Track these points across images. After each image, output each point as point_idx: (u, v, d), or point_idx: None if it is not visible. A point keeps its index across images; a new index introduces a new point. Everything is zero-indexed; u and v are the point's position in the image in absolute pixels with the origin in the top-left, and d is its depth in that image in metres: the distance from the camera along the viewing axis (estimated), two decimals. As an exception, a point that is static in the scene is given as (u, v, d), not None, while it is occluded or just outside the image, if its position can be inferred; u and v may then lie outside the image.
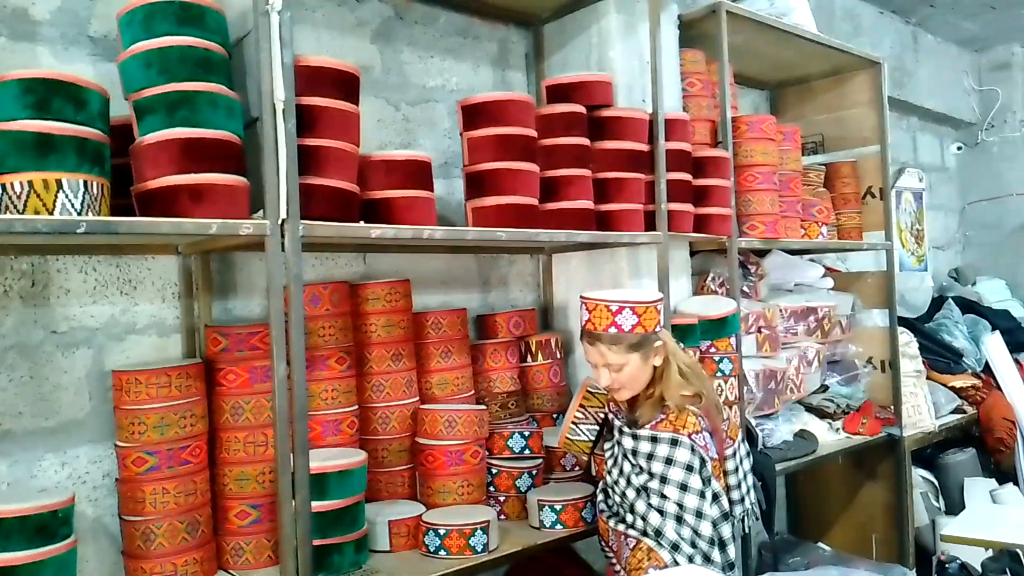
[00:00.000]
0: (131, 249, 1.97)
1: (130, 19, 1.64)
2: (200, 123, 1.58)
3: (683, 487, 1.88)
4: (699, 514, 1.88)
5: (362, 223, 1.86)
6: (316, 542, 1.77)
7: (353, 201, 1.85)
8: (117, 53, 1.68)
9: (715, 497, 1.92)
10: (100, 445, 1.93)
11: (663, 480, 1.90)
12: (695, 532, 1.87)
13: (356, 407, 2.13)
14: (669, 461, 1.90)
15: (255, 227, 1.62)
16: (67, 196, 1.47)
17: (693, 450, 1.90)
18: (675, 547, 1.87)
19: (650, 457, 1.92)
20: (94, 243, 1.89)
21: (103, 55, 1.97)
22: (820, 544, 3.50)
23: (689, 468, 1.89)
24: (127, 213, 1.60)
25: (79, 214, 1.48)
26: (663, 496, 1.89)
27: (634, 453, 1.96)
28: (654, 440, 1.93)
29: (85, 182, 1.50)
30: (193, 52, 1.60)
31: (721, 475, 2.04)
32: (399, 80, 2.54)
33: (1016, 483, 4.14)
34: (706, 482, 1.91)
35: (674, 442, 1.91)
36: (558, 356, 2.64)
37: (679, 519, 1.88)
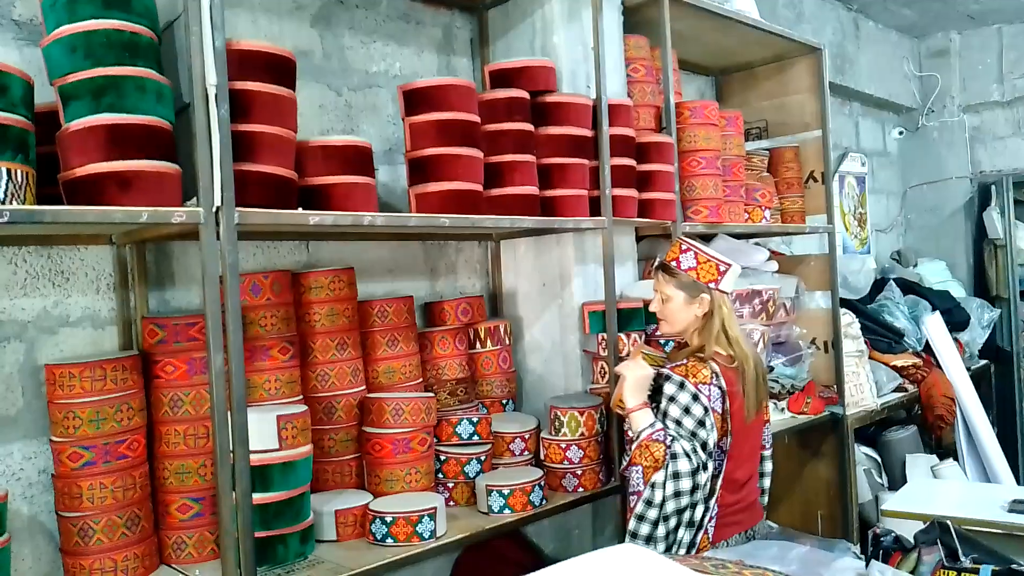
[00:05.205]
0: (62, 240, 1.92)
1: (53, 2, 1.58)
2: (128, 109, 1.54)
3: (677, 422, 2.07)
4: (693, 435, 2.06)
5: (300, 210, 1.84)
6: (259, 534, 1.76)
7: (290, 188, 1.82)
8: (42, 37, 1.63)
9: (704, 447, 2.05)
10: (34, 441, 1.89)
11: (664, 415, 2.09)
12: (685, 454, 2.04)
13: (300, 397, 2.10)
14: (671, 399, 2.09)
15: (188, 215, 1.59)
16: (-11, 185, 1.42)
17: (696, 398, 2.06)
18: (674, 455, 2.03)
19: (658, 391, 2.13)
20: (22, 234, 1.83)
21: (29, 39, 1.91)
22: (767, 521, 3.57)
23: (686, 410, 2.06)
24: (55, 202, 1.55)
25: (2, 203, 1.44)
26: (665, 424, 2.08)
27: (656, 390, 2.15)
28: (667, 378, 2.11)
29: (8, 170, 1.45)
30: (119, 36, 1.56)
31: (726, 433, 2.11)
32: (340, 65, 2.51)
33: (956, 459, 4.27)
34: (698, 425, 2.05)
35: (680, 385, 2.08)
36: (507, 343, 2.64)
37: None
